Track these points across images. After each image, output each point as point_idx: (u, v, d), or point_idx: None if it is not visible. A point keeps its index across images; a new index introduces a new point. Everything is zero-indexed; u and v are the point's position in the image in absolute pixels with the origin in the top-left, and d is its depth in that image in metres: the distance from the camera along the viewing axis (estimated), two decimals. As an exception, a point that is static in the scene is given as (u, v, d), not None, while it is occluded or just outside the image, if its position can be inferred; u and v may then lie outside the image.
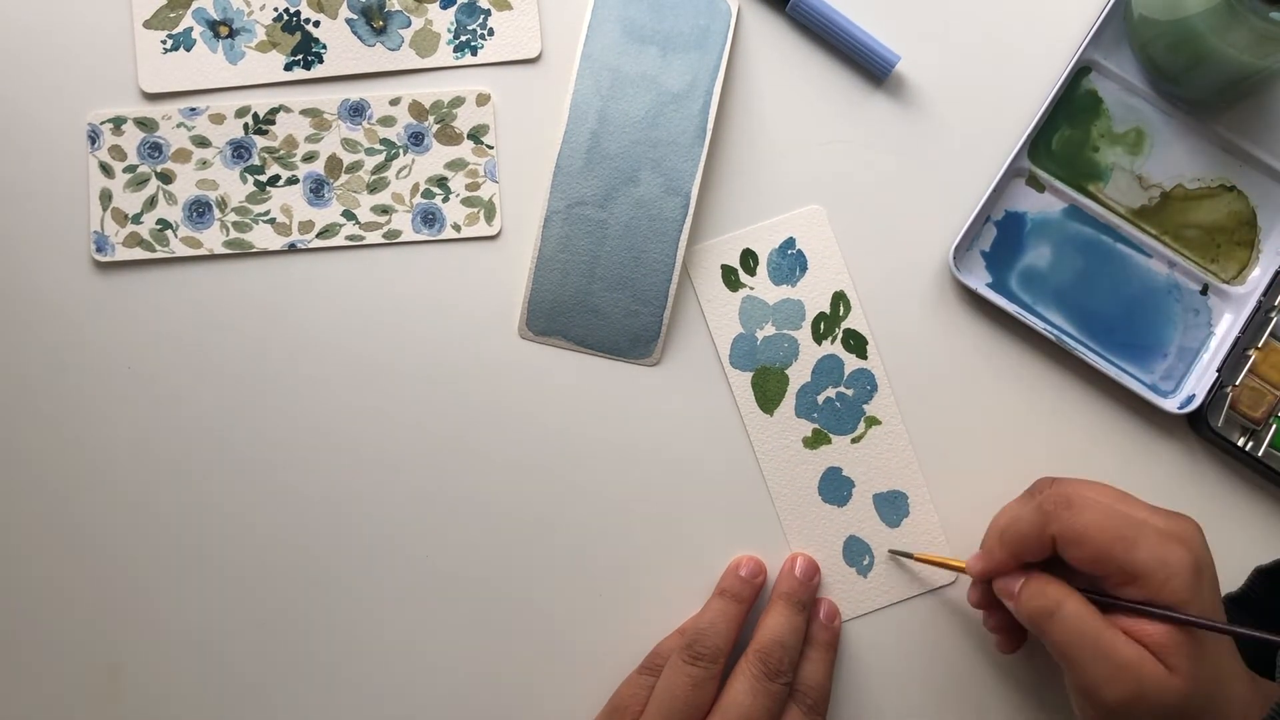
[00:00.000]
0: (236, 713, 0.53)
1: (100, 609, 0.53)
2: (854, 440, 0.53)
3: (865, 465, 0.53)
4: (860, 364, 0.53)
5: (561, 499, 0.53)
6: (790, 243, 0.54)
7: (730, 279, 0.54)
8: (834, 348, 0.53)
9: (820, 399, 0.53)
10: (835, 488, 0.53)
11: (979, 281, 0.54)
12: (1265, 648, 0.48)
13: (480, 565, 0.53)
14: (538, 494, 0.53)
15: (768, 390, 0.53)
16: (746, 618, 0.52)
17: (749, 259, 0.54)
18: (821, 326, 0.54)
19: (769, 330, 0.54)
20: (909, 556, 0.53)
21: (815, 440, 0.53)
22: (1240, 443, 0.52)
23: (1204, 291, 0.54)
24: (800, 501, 0.53)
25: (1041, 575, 0.46)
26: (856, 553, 0.53)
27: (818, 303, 0.54)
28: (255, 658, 0.53)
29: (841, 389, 0.53)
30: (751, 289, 0.54)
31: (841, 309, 0.53)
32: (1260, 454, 0.52)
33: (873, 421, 0.53)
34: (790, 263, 0.54)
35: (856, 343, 0.54)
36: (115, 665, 0.53)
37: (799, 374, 0.54)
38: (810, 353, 0.54)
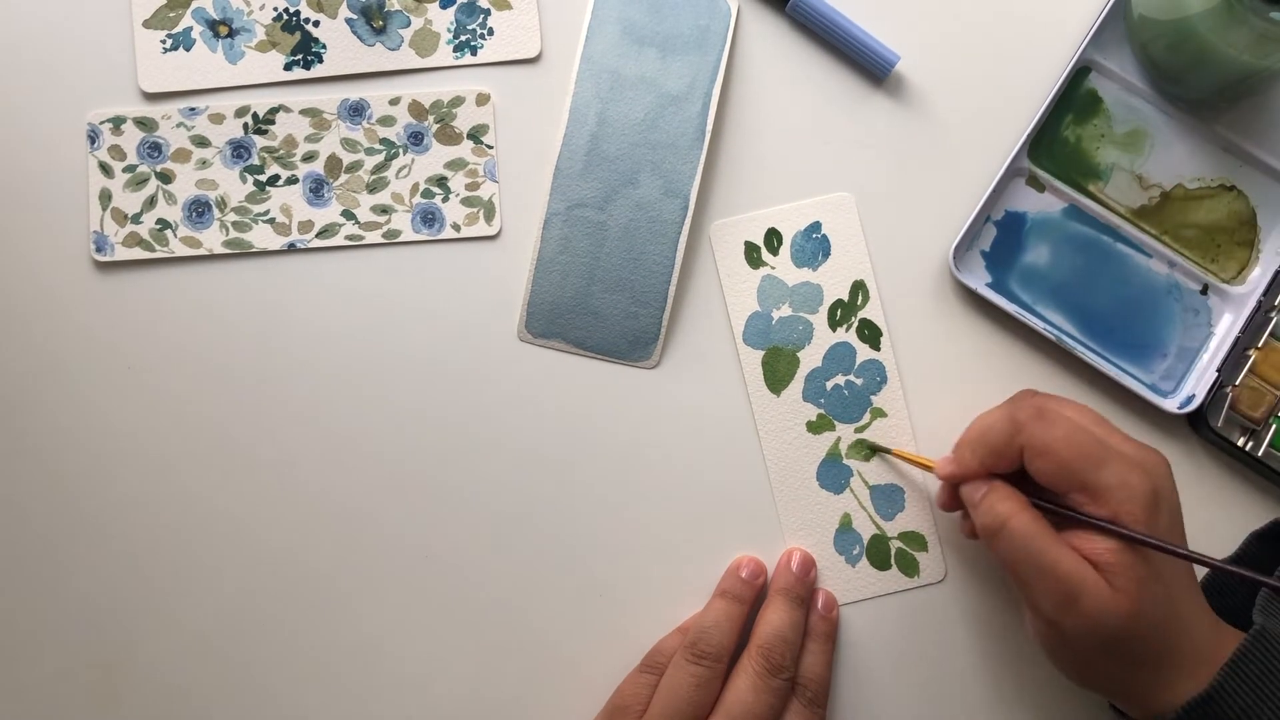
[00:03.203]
0: (236, 712, 0.53)
1: (99, 609, 0.53)
2: (858, 430, 0.53)
3: (867, 455, 0.54)
4: (872, 354, 0.54)
5: (561, 500, 0.53)
6: (816, 226, 0.54)
7: (752, 256, 0.54)
8: (848, 336, 0.54)
9: (829, 385, 0.54)
10: (834, 475, 0.54)
11: (979, 281, 0.54)
12: (1240, 601, 0.48)
13: (479, 566, 0.53)
14: (536, 495, 0.53)
15: (778, 370, 0.53)
16: (748, 618, 0.52)
17: (773, 238, 0.54)
18: (838, 313, 0.54)
19: (785, 311, 0.54)
20: (886, 451, 0.53)
21: (819, 426, 0.53)
22: (1240, 443, 0.52)
23: (1204, 291, 0.54)
24: (797, 485, 0.53)
25: (1000, 488, 0.46)
26: (847, 542, 0.53)
27: (837, 289, 0.54)
28: (255, 656, 0.53)
29: (851, 377, 0.54)
30: (772, 268, 0.54)
31: (860, 298, 0.54)
32: (1260, 454, 0.52)
33: (879, 413, 0.53)
34: (814, 246, 0.54)
35: (871, 333, 0.54)
36: (114, 665, 0.53)
37: (810, 358, 0.54)
38: (824, 338, 0.54)
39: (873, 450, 0.53)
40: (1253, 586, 0.47)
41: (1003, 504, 0.46)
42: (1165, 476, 0.45)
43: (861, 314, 0.54)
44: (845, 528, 0.53)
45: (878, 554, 0.53)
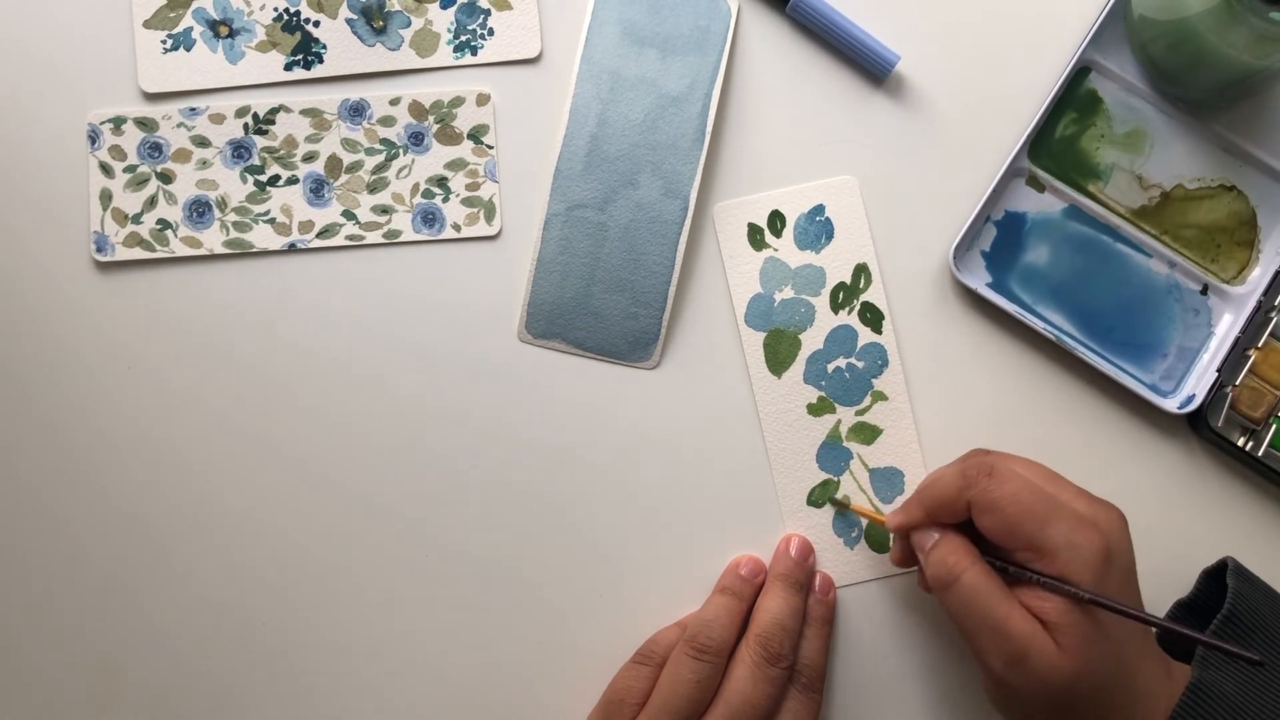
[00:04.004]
0: (237, 712, 0.53)
1: (99, 609, 0.53)
2: (859, 412, 0.54)
3: (866, 438, 0.54)
4: (874, 338, 0.54)
5: (560, 500, 0.53)
6: (820, 209, 0.54)
7: (755, 238, 0.54)
8: (850, 319, 0.54)
9: (830, 368, 0.54)
10: (834, 457, 0.54)
11: (979, 281, 0.54)
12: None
13: (479, 565, 0.53)
14: (536, 495, 0.53)
15: (779, 352, 0.53)
16: (747, 614, 0.52)
17: (776, 220, 0.54)
18: (840, 296, 0.54)
19: (787, 293, 0.54)
20: (845, 506, 0.53)
21: (820, 408, 0.53)
22: (1240, 443, 0.52)
23: (1204, 291, 0.54)
24: (797, 467, 0.53)
25: (952, 539, 0.47)
26: (846, 524, 0.53)
27: (839, 272, 0.54)
28: (256, 656, 0.53)
29: (852, 360, 0.54)
30: (775, 251, 0.54)
31: (862, 281, 0.54)
32: (1260, 454, 0.52)
33: (879, 396, 0.54)
34: (818, 229, 0.54)
35: (873, 316, 0.54)
36: (114, 665, 0.53)
37: (812, 340, 0.54)
38: (826, 320, 0.54)
39: (835, 504, 0.53)
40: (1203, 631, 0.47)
41: (953, 556, 0.46)
42: (1118, 533, 0.45)
43: (864, 297, 0.54)
44: (845, 511, 0.53)
45: (876, 537, 0.53)
